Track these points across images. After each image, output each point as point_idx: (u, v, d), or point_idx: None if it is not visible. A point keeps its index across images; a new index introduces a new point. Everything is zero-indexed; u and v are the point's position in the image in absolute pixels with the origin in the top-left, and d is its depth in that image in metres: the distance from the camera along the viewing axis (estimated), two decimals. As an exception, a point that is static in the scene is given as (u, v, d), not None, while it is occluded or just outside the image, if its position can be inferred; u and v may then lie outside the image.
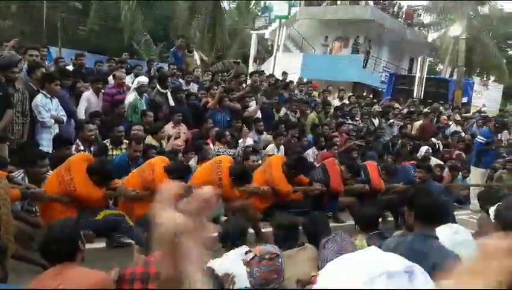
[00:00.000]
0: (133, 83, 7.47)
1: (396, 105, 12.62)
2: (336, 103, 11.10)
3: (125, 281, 2.41)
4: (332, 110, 10.05)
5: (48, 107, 5.63)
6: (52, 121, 5.64)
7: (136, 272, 2.41)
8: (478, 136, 8.50)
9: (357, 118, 10.26)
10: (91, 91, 6.88)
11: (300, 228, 3.58)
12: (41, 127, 5.58)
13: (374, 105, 11.97)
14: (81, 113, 6.54)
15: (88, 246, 4.18)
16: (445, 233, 2.51)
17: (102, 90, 6.99)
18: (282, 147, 7.59)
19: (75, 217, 3.83)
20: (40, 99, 5.58)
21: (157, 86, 7.59)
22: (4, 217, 3.29)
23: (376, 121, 10.46)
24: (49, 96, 5.67)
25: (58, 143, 5.30)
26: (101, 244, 4.40)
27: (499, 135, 11.84)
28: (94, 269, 2.27)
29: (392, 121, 10.73)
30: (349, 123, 9.79)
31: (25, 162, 4.49)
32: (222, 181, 4.79)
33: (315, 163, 7.22)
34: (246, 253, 2.35)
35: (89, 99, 6.75)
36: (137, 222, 4.36)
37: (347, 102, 11.45)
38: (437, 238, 2.37)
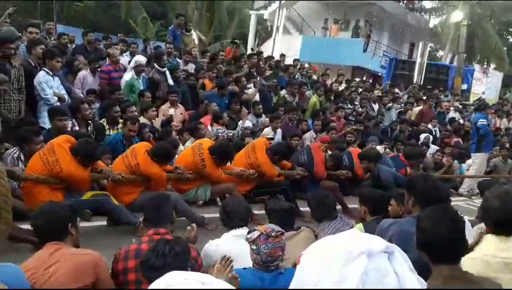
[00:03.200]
0: (129, 62, 7.38)
1: (396, 90, 12.56)
2: (335, 87, 11.01)
3: (120, 259, 2.43)
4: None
5: (50, 84, 5.57)
6: (56, 98, 5.59)
7: (130, 249, 2.45)
8: (479, 120, 8.42)
9: (356, 103, 10.22)
10: (87, 70, 6.81)
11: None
12: (43, 105, 5.52)
13: (373, 90, 11.91)
14: (75, 92, 6.48)
15: (87, 224, 4.29)
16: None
17: (99, 69, 6.91)
18: (279, 130, 7.56)
19: (64, 200, 3.82)
20: (42, 76, 5.51)
21: (155, 64, 7.51)
22: (3, 191, 3.29)
23: (375, 106, 10.42)
24: (51, 73, 5.60)
25: (51, 114, 5.12)
26: (101, 222, 4.42)
27: (498, 122, 11.88)
28: (93, 246, 2.31)
29: (390, 104, 10.69)
30: (348, 108, 9.76)
31: (20, 139, 4.45)
32: (205, 162, 4.87)
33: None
34: (249, 232, 2.36)
35: (85, 78, 6.69)
36: (126, 207, 4.39)
37: (344, 86, 11.37)
38: None
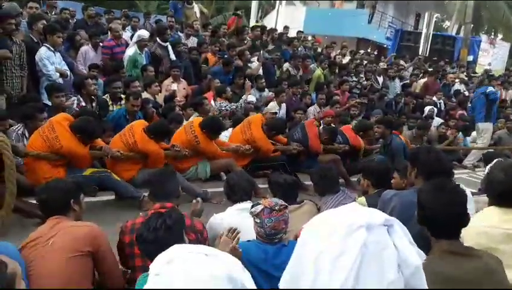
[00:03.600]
0: (131, 36, 7.31)
1: (402, 62, 12.39)
2: (338, 59, 10.86)
3: (127, 232, 2.49)
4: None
5: (52, 60, 5.55)
6: (58, 74, 5.57)
7: (136, 222, 2.49)
8: (489, 88, 8.31)
9: (361, 75, 10.12)
10: (89, 45, 6.76)
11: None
12: (46, 81, 5.51)
13: (378, 62, 11.76)
14: (78, 67, 6.45)
15: (94, 199, 4.36)
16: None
17: (101, 44, 6.85)
18: (283, 105, 7.53)
19: (66, 176, 3.87)
20: (44, 52, 5.49)
21: (157, 39, 7.45)
22: (8, 162, 3.35)
23: (380, 79, 10.32)
24: (52, 49, 5.57)
25: (50, 91, 5.11)
26: (108, 197, 4.49)
27: (503, 94, 11.75)
28: (100, 220, 2.38)
29: (396, 74, 10.57)
30: (353, 81, 9.66)
31: (24, 116, 4.48)
32: (198, 138, 4.93)
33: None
34: (253, 206, 2.39)
35: (87, 53, 6.65)
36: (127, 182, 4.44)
37: (348, 58, 11.22)
38: None
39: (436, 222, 1.75)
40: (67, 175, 3.98)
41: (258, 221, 2.33)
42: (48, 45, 5.54)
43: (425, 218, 1.79)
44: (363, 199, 3.45)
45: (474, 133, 8.51)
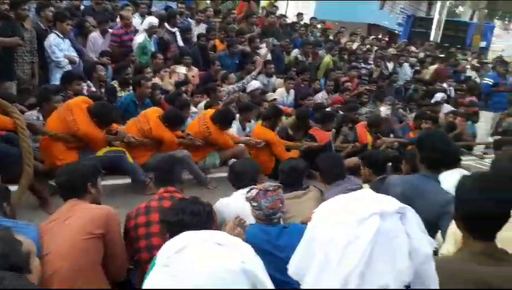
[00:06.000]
0: (142, 23, 7.32)
1: (413, 48, 12.24)
2: (348, 45, 10.75)
3: (132, 217, 2.56)
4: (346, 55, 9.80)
5: (61, 47, 5.60)
6: (67, 61, 5.63)
7: (140, 207, 2.58)
8: (485, 78, 8.34)
9: (370, 62, 10.03)
10: (98, 32, 6.78)
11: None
12: (55, 67, 5.57)
13: (388, 48, 11.63)
14: (88, 54, 6.48)
15: (105, 183, 4.42)
16: (454, 177, 2.57)
17: (110, 30, 6.88)
18: (291, 91, 7.52)
19: (79, 158, 3.94)
20: (53, 38, 5.54)
21: (166, 24, 7.44)
22: (26, 146, 3.44)
23: (390, 65, 10.21)
24: (61, 36, 5.62)
25: (69, 79, 5.17)
26: (117, 181, 4.55)
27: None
28: (108, 205, 2.42)
29: (404, 60, 10.46)
30: (362, 67, 9.58)
31: (40, 99, 4.54)
32: (210, 129, 4.96)
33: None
34: (248, 192, 2.45)
35: (95, 40, 6.68)
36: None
37: (357, 44, 11.09)
38: (438, 181, 2.54)
39: (482, 221, 1.58)
40: (80, 157, 4.04)
41: (255, 204, 2.38)
42: (57, 32, 5.59)
43: (467, 216, 1.62)
44: (367, 186, 3.47)
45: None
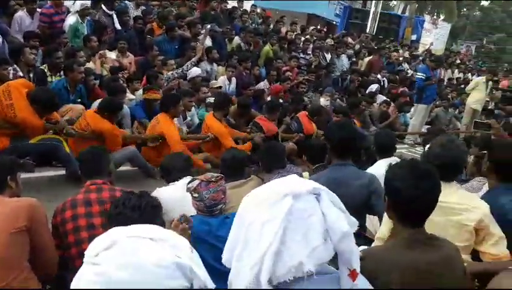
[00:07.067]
0: (74, 3, 6.90)
1: (350, 40, 12.65)
2: (289, 35, 10.90)
3: (58, 212, 2.45)
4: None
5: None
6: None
7: (66, 201, 2.47)
8: (417, 73, 8.88)
9: (309, 52, 10.24)
10: (25, 11, 6.29)
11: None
12: None
13: (326, 39, 11.93)
14: (13, 35, 6.00)
15: (33, 175, 4.16)
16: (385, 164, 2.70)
17: (38, 10, 6.41)
18: (234, 79, 7.50)
19: (10, 145, 3.67)
20: None
21: (103, 6, 7.08)
22: None
23: (328, 56, 10.50)
24: (-20, 15, 5.16)
25: None
26: (48, 173, 4.30)
27: (442, 73, 12.37)
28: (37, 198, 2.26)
29: (341, 51, 10.80)
30: (301, 57, 9.77)
31: None
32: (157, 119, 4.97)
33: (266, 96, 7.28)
34: (189, 182, 2.41)
35: (22, 20, 6.19)
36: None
37: (298, 33, 11.28)
38: (353, 165, 2.73)
39: (411, 209, 1.62)
40: (11, 143, 3.77)
41: (197, 195, 2.35)
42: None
43: (398, 204, 1.65)
44: (307, 174, 3.57)
45: (413, 109, 9.01)
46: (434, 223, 1.88)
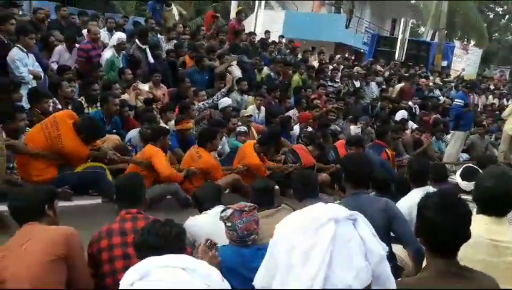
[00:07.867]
0: (110, 38, 7.20)
1: (379, 67, 12.62)
2: (317, 64, 11.00)
3: (94, 241, 2.46)
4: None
5: (24, 61, 5.39)
6: (31, 76, 5.42)
7: (102, 231, 2.47)
8: (455, 100, 8.66)
9: (337, 80, 10.25)
10: (64, 46, 6.61)
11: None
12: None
13: (355, 67, 11.94)
14: (53, 69, 6.29)
15: (67, 203, 4.25)
16: (419, 194, 2.64)
17: (77, 45, 6.73)
18: (263, 108, 7.56)
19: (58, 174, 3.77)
20: (16, 53, 5.31)
21: (137, 41, 7.37)
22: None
23: (357, 83, 10.47)
24: (25, 50, 5.42)
25: (36, 97, 5.00)
26: (81, 202, 4.35)
27: (476, 99, 12.08)
28: (72, 226, 2.29)
29: (371, 79, 10.75)
30: (329, 85, 9.79)
31: (2, 116, 4.34)
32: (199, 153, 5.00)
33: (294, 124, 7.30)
34: (223, 211, 2.41)
35: (61, 54, 6.51)
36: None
37: (326, 62, 11.35)
38: (365, 193, 2.76)
39: (440, 239, 1.62)
40: (58, 173, 3.89)
41: (230, 224, 2.34)
42: (20, 46, 5.39)
43: (428, 234, 1.65)
44: (339, 202, 3.50)
45: (448, 136, 8.77)
46: (487, 264, 1.83)
